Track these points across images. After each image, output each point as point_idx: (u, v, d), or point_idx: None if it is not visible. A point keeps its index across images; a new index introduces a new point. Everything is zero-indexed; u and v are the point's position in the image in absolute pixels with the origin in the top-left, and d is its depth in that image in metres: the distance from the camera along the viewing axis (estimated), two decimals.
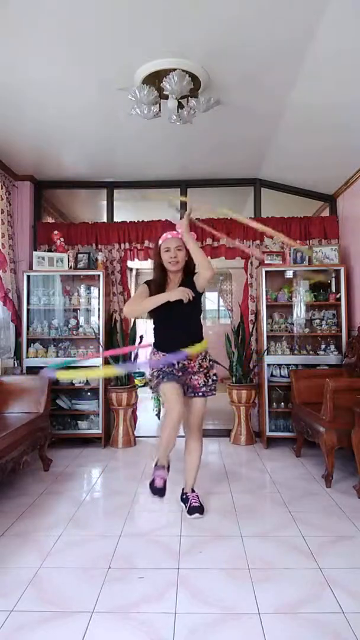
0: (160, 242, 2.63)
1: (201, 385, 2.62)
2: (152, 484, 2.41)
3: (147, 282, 2.66)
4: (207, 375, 2.65)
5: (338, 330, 4.29)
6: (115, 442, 4.29)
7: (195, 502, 2.68)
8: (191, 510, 2.63)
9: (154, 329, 2.68)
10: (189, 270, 2.64)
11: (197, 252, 2.53)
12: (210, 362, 2.69)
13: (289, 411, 4.20)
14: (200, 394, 2.63)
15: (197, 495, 2.73)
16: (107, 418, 4.36)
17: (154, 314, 2.60)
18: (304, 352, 4.32)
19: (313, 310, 4.45)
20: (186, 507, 2.69)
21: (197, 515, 2.61)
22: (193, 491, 2.75)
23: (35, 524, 2.58)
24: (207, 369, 2.66)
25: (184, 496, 2.77)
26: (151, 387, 2.69)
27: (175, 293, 2.47)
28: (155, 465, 2.45)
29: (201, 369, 2.62)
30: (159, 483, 2.39)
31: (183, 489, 2.81)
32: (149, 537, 2.41)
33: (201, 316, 2.76)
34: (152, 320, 2.68)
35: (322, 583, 1.94)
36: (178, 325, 2.58)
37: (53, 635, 1.63)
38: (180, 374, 2.57)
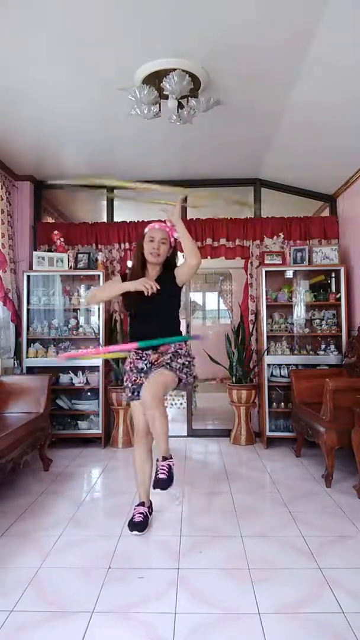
0: (145, 230, 2.53)
1: (167, 360, 2.39)
2: (131, 520, 2.47)
3: (123, 275, 2.57)
4: (176, 359, 2.41)
5: (338, 330, 4.29)
6: (115, 442, 4.29)
7: (163, 472, 2.20)
8: (154, 484, 2.21)
9: (129, 325, 2.59)
10: (169, 265, 2.56)
11: (186, 237, 2.43)
12: (186, 355, 2.47)
13: (289, 411, 4.20)
14: (164, 365, 2.37)
15: (167, 465, 2.23)
16: (107, 418, 4.36)
17: (128, 307, 2.52)
18: (304, 352, 4.32)
19: (313, 310, 4.44)
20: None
21: (158, 490, 2.19)
22: (164, 459, 2.28)
23: (35, 524, 2.58)
24: (179, 356, 2.44)
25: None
26: (126, 398, 2.55)
27: (136, 283, 2.37)
28: (138, 504, 2.53)
29: (171, 355, 2.42)
30: (137, 518, 2.46)
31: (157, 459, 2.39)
32: (149, 537, 2.41)
33: (179, 311, 2.58)
34: (128, 315, 2.57)
35: (322, 583, 1.94)
36: (150, 319, 2.46)
37: (53, 635, 1.63)
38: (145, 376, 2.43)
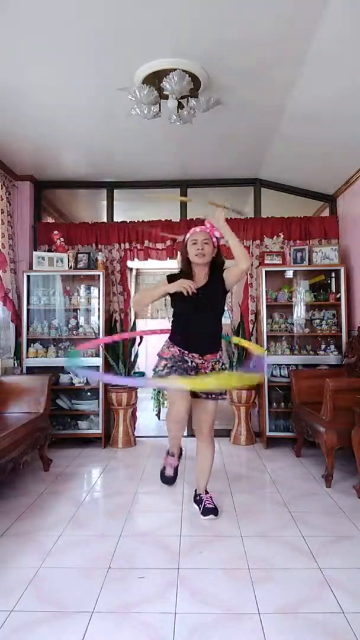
0: (187, 235, 2.61)
1: (218, 390, 2.57)
2: (162, 473, 2.54)
3: (170, 276, 2.60)
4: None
5: (338, 330, 4.28)
6: (115, 442, 4.29)
7: (210, 503, 2.66)
8: (205, 512, 2.62)
9: (172, 322, 2.64)
10: (216, 267, 2.62)
11: (235, 241, 2.46)
12: (223, 366, 2.62)
13: (289, 411, 4.20)
14: (212, 395, 2.59)
15: (210, 497, 2.72)
16: (107, 418, 4.36)
17: (173, 305, 2.61)
18: (304, 352, 4.32)
19: (313, 310, 4.44)
20: (200, 508, 2.68)
21: (211, 516, 2.59)
22: (207, 492, 2.74)
23: (35, 524, 2.58)
24: (219, 373, 2.58)
25: (197, 497, 2.76)
26: (156, 372, 2.56)
27: (174, 285, 2.46)
28: (167, 453, 2.55)
29: (213, 372, 2.56)
30: (168, 471, 2.52)
31: (196, 491, 2.81)
32: (149, 537, 2.41)
33: (222, 312, 2.65)
34: (172, 313, 2.65)
35: (322, 583, 1.94)
36: (194, 322, 2.53)
37: (53, 635, 1.63)
38: (192, 373, 2.50)
